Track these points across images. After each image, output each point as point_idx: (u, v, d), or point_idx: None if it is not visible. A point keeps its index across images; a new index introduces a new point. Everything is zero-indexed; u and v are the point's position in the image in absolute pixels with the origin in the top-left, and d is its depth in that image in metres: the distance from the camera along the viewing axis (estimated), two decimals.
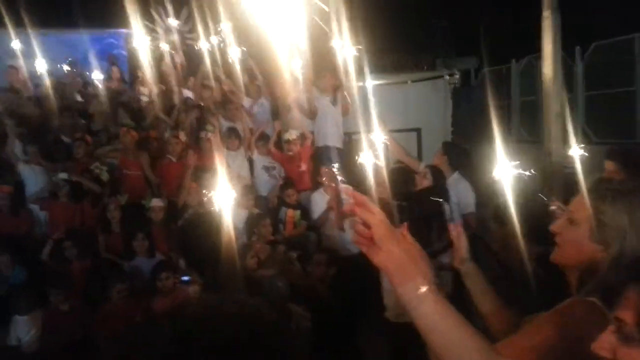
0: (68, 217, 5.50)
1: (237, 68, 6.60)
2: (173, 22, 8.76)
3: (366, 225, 1.13)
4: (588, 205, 1.41)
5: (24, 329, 4.43)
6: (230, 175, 6.04)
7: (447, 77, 9.03)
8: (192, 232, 2.42)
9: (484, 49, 9.19)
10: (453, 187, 4.03)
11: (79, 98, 7.09)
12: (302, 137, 6.09)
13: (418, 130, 7.66)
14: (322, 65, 5.99)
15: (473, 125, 8.10)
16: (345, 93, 6.15)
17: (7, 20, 8.05)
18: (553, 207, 1.97)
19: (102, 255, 5.25)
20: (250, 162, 6.32)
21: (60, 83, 7.13)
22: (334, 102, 6.19)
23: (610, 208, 1.37)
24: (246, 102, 6.81)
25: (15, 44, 7.89)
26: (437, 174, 3.86)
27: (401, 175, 4.03)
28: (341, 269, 4.24)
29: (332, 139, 6.12)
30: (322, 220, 5.39)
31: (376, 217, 1.13)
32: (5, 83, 7.33)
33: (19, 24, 8.55)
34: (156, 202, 5.41)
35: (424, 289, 1.09)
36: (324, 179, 4.39)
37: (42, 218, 5.65)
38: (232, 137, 6.21)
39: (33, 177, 5.75)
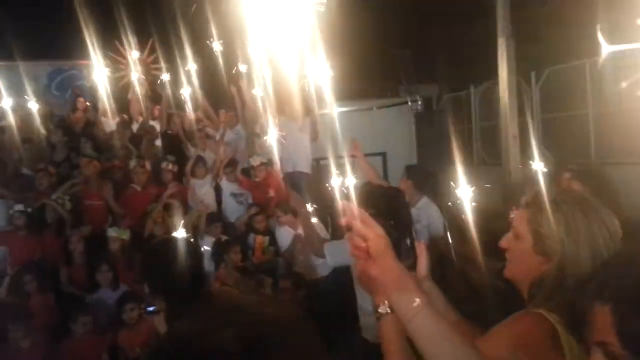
0: (28, 250, 5.31)
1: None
2: (137, 53, 8.77)
3: (363, 238, 1.16)
4: (528, 218, 1.45)
5: None
6: (196, 203, 6.03)
7: (410, 103, 9.29)
8: (157, 259, 2.38)
9: (443, 75, 9.54)
10: (424, 210, 4.09)
11: (42, 130, 6.96)
12: (269, 163, 6.13)
13: (383, 155, 7.82)
14: (290, 91, 6.08)
15: (436, 149, 8.32)
16: (314, 119, 6.24)
17: None
18: (512, 216, 2.03)
19: (64, 289, 5.08)
20: (218, 189, 6.30)
21: (22, 114, 7.00)
22: (303, 128, 6.28)
23: (547, 220, 1.39)
24: (220, 129, 6.82)
25: None
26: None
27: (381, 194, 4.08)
28: (310, 292, 4.23)
29: (301, 164, 6.18)
30: (290, 251, 5.40)
31: (374, 230, 1.16)
32: None
33: None
34: (113, 232, 5.32)
35: (419, 301, 1.13)
36: (353, 152, 4.30)
37: (1, 253, 5.45)
38: (199, 165, 6.21)
39: None
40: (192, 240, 2.81)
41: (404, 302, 1.14)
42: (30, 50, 9.14)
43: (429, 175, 4.62)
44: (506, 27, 5.46)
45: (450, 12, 9.47)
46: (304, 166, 6.24)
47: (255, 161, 6.09)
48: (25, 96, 7.94)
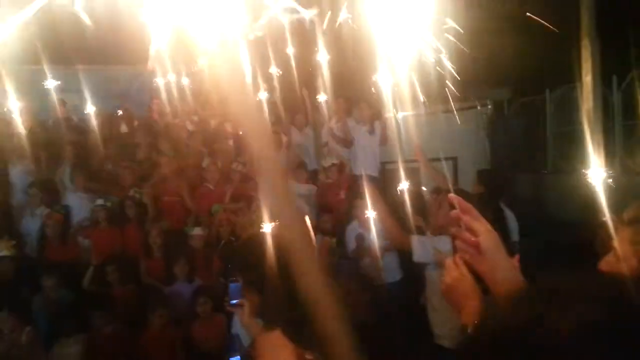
0: (110, 242, 5.64)
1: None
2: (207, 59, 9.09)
3: (472, 233, 1.15)
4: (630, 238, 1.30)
5: (68, 351, 4.52)
6: (265, 204, 6.16)
7: (480, 108, 9.04)
8: (252, 254, 2.45)
9: (516, 79, 9.20)
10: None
11: (124, 129, 7.41)
12: (340, 165, 6.17)
13: (454, 159, 7.64)
14: (359, 95, 6.12)
15: (508, 155, 8.04)
16: (384, 122, 6.23)
17: (53, 56, 8.55)
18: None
19: (144, 280, 5.35)
20: None
21: (106, 115, 7.47)
22: (371, 131, 6.28)
23: None
24: (291, 131, 6.96)
25: (61, 79, 8.31)
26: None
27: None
28: (377, 296, 4.21)
29: (369, 167, 6.17)
30: (357, 252, 5.40)
31: (485, 226, 1.15)
32: (49, 116, 7.69)
33: (65, 61, 9.06)
34: (197, 231, 5.54)
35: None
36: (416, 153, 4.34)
37: (87, 245, 5.80)
38: None
39: (78, 205, 5.94)
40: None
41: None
42: (112, 55, 9.72)
43: (503, 181, 4.49)
44: (591, 27, 5.17)
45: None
46: (372, 169, 6.24)
47: (327, 162, 6.14)
48: (109, 98, 8.49)
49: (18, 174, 6.10)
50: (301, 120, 7.21)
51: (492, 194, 4.12)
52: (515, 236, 4.12)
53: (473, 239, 1.15)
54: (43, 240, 5.50)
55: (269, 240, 2.56)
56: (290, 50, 6.92)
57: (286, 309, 2.23)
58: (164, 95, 7.85)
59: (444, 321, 3.11)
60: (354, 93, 6.35)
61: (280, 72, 6.72)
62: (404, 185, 3.33)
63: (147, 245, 5.52)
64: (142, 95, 9.44)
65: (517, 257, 1.60)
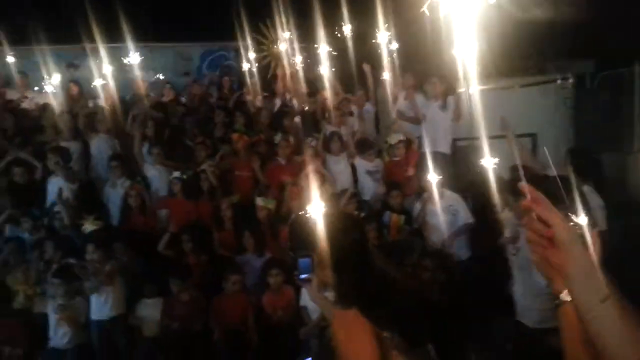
0: (185, 213, 5.88)
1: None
2: (279, 34, 9.17)
3: (545, 224, 1.09)
4: None
5: (148, 311, 4.83)
6: (332, 180, 6.18)
7: (560, 82, 8.49)
8: (325, 230, 2.47)
9: (601, 50, 8.54)
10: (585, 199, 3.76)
11: (197, 104, 7.67)
12: (408, 141, 6.05)
13: (533, 136, 7.26)
14: (431, 70, 5.93)
15: (591, 133, 7.54)
16: (457, 98, 6.01)
17: (128, 34, 8.94)
18: None
19: (216, 251, 5.56)
20: (353, 167, 6.38)
21: (186, 91, 7.76)
22: (444, 107, 6.08)
23: None
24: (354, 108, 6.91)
25: (137, 57, 8.68)
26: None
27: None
28: (453, 274, 4.14)
29: (440, 144, 6.00)
30: (418, 222, 5.34)
31: (559, 217, 1.08)
32: (127, 93, 8.07)
33: (140, 38, 9.47)
34: (261, 202, 5.65)
35: (607, 297, 1.05)
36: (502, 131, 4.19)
37: (164, 215, 6.10)
38: (334, 141, 6.32)
39: (157, 177, 6.23)
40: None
41: (587, 291, 1.05)
42: (185, 33, 10.03)
43: (593, 161, 4.19)
44: None
45: None
46: (444, 146, 6.07)
47: (394, 139, 6.05)
48: (184, 75, 8.80)
49: (100, 146, 6.47)
50: (362, 96, 7.12)
51: (580, 176, 3.87)
52: (602, 224, 3.85)
53: (546, 230, 1.07)
54: (125, 210, 5.83)
55: (341, 217, 2.56)
56: (352, 23, 6.83)
57: (360, 288, 2.23)
58: (235, 73, 8.03)
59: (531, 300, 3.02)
60: (425, 67, 6.16)
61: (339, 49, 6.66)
62: (486, 162, 3.19)
63: (219, 218, 5.72)
64: (213, 73, 9.72)
65: (594, 233, 1.49)
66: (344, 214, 2.62)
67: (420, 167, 5.79)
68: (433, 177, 4.80)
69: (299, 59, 7.92)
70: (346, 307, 2.12)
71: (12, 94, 8.07)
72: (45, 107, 7.03)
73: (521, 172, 1.15)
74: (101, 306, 4.80)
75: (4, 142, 6.37)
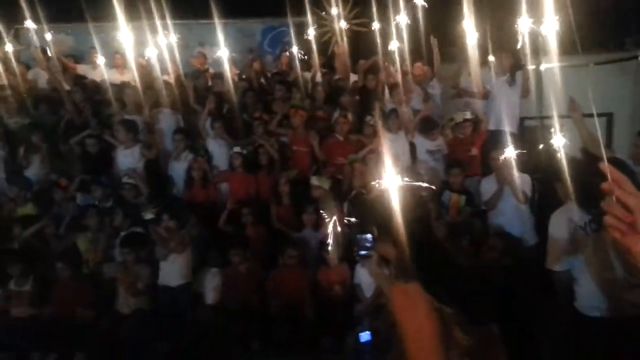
0: (244, 187, 5.99)
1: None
2: (339, 9, 9.03)
3: (626, 208, 1.01)
4: None
5: (210, 280, 4.99)
6: (391, 159, 6.05)
7: None
8: (386, 205, 2.43)
9: None
10: None
11: (262, 81, 7.73)
12: (475, 119, 5.82)
13: (609, 116, 6.80)
14: (499, 43, 5.63)
15: None
16: (526, 74, 5.69)
17: (192, 11, 9.11)
18: None
19: (274, 225, 5.64)
20: (413, 145, 6.24)
21: (243, 67, 7.84)
22: (511, 82, 5.78)
23: None
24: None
25: (199, 33, 8.85)
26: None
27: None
28: (518, 259, 3.99)
29: (507, 123, 5.73)
30: (490, 207, 5.14)
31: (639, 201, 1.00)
32: (189, 68, 8.24)
33: (203, 15, 9.64)
34: (316, 181, 5.66)
35: None
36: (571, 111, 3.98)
37: (223, 189, 6.24)
38: (392, 119, 6.18)
39: (218, 151, 6.36)
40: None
41: None
42: (247, 9, 10.07)
43: None
44: None
45: None
46: (510, 124, 5.78)
47: (460, 117, 5.83)
48: (244, 51, 8.86)
49: (165, 121, 6.67)
50: (426, 72, 6.90)
51: None
52: None
53: (627, 216, 0.98)
54: (188, 183, 6.01)
55: (403, 193, 2.50)
56: None
57: (421, 262, 2.18)
58: (295, 48, 7.99)
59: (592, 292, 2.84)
60: (492, 41, 5.86)
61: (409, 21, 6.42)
62: (557, 142, 2.99)
63: (277, 192, 5.79)
64: (274, 48, 9.75)
65: None
66: (406, 190, 2.56)
67: (486, 146, 5.58)
68: (509, 156, 4.59)
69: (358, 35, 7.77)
70: (407, 281, 2.08)
71: (82, 69, 8.47)
72: (114, 82, 7.33)
73: (602, 152, 1.06)
74: (170, 273, 5.00)
75: (75, 115, 6.70)
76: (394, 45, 6.51)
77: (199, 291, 5.03)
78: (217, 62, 9.01)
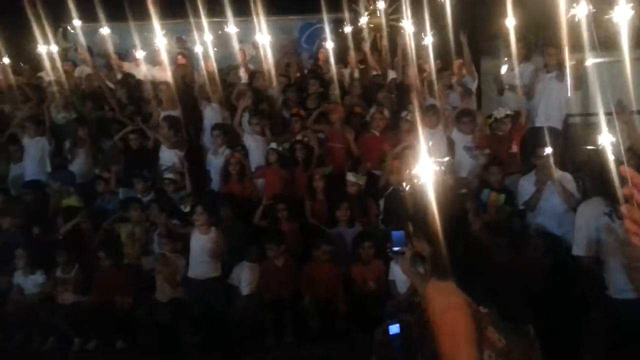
0: (280, 182, 6.02)
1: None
2: (378, 4, 8.97)
3: None
4: None
5: (246, 273, 5.05)
6: (428, 154, 5.94)
7: None
8: (421, 201, 2.39)
9: None
10: None
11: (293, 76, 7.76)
12: (516, 115, 5.65)
13: None
14: (545, 38, 5.45)
15: None
16: (578, 69, 5.46)
17: (231, 9, 9.25)
18: None
19: (308, 220, 5.66)
20: (451, 141, 6.12)
21: (287, 64, 7.88)
22: (559, 77, 5.57)
23: None
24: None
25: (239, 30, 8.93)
26: None
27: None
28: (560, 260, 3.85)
29: (553, 119, 5.52)
30: (530, 208, 4.98)
31: None
32: (227, 63, 8.35)
33: (241, 13, 9.77)
34: (352, 177, 5.63)
35: None
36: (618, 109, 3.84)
37: (259, 184, 6.29)
38: (431, 114, 6.07)
39: (254, 146, 6.41)
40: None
41: None
42: (285, 6, 10.14)
43: None
44: None
45: None
46: (556, 121, 5.57)
47: (501, 113, 5.67)
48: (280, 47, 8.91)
49: (210, 116, 6.79)
50: (460, 66, 6.76)
51: None
52: None
53: None
54: (225, 177, 6.11)
55: (441, 189, 2.45)
56: None
57: (457, 260, 2.13)
58: (332, 45, 7.97)
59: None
60: (538, 36, 5.67)
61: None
62: (604, 140, 2.87)
63: (312, 188, 5.80)
64: (312, 44, 9.78)
65: None
66: (443, 186, 2.51)
67: (527, 143, 5.40)
68: (553, 155, 4.44)
69: (395, 31, 7.70)
70: (441, 278, 2.03)
71: (126, 67, 8.72)
72: (158, 78, 7.50)
73: (625, 156, 1.03)
74: (199, 266, 5.06)
75: (119, 112, 6.90)
76: (430, 41, 6.39)
77: (234, 284, 5.09)
78: (255, 59, 9.16)
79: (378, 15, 8.83)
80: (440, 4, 6.51)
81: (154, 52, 8.46)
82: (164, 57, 7.68)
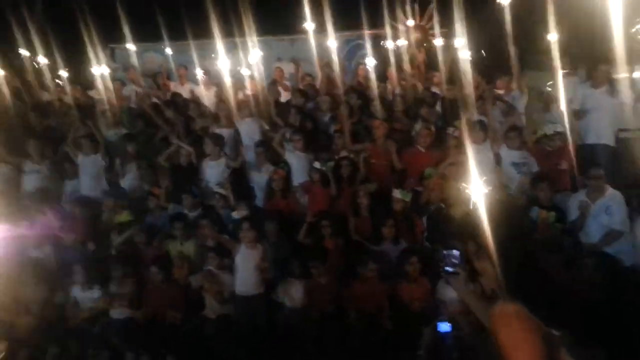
0: (323, 199, 6.05)
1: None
2: (415, 21, 9.02)
3: None
4: None
5: (291, 289, 5.06)
6: (476, 170, 5.87)
7: None
8: (474, 219, 2.39)
9: None
10: None
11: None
12: (565, 134, 5.53)
13: None
14: (595, 54, 5.33)
15: None
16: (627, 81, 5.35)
17: (273, 27, 9.44)
18: None
19: (352, 237, 5.65)
20: (498, 157, 6.03)
21: (329, 80, 7.98)
22: (611, 92, 5.44)
23: None
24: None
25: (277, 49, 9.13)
26: None
27: None
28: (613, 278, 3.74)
29: (604, 136, 5.38)
30: (578, 229, 4.86)
31: None
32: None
33: (282, 31, 9.95)
34: (398, 194, 5.61)
35: None
36: None
37: (303, 200, 6.32)
38: (477, 130, 6.01)
39: (296, 163, 6.48)
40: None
41: None
42: (322, 24, 10.26)
43: None
44: None
45: None
46: (608, 137, 5.42)
47: (550, 130, 5.57)
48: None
49: (249, 132, 6.92)
50: (506, 82, 6.66)
51: None
52: None
53: None
54: (269, 193, 6.18)
55: (499, 209, 2.43)
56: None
57: (525, 281, 2.11)
58: (371, 61, 8.02)
59: None
60: (586, 52, 5.56)
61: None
62: None
63: (356, 205, 5.80)
64: (350, 62, 9.85)
65: None
66: (501, 205, 2.49)
67: (577, 160, 5.27)
68: (597, 174, 4.33)
69: (438, 46, 7.71)
70: (509, 300, 2.01)
71: (172, 86, 9.00)
72: (200, 97, 7.73)
73: None
74: (246, 282, 5.11)
75: (167, 130, 7.11)
76: (474, 55, 6.37)
77: (279, 301, 5.11)
78: (293, 76, 9.31)
79: (416, 31, 8.87)
80: (485, 18, 6.48)
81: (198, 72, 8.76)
82: (209, 75, 7.91)
